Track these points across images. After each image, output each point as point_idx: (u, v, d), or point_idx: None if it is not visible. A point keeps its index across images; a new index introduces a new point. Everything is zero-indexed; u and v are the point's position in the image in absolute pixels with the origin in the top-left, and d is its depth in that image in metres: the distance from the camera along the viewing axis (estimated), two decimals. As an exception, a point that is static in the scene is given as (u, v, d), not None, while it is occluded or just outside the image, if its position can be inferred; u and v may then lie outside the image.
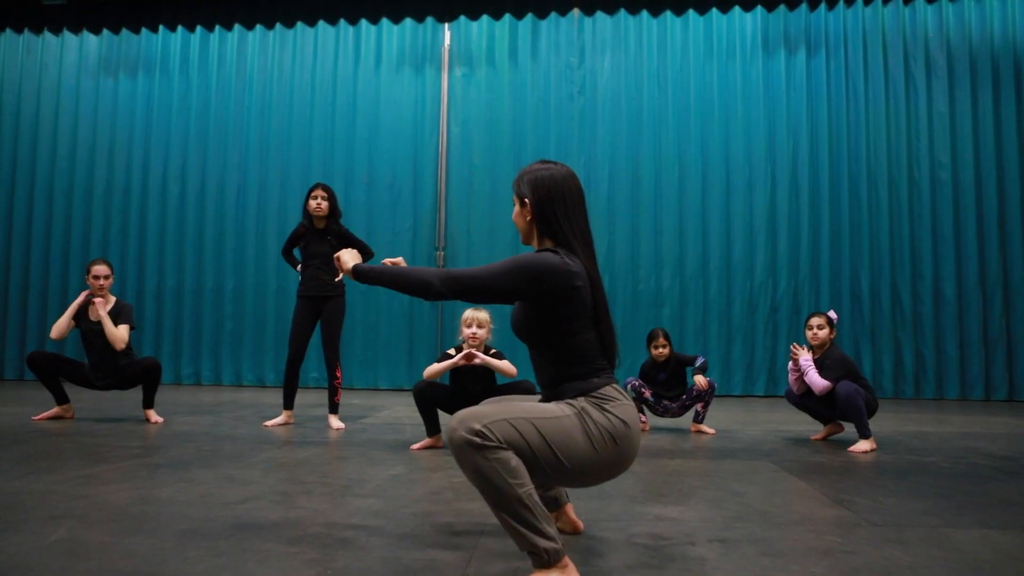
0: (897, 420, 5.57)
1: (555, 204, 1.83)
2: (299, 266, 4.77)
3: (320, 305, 4.73)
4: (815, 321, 4.31)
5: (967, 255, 8.02)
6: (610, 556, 1.89)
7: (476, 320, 3.78)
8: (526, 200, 1.86)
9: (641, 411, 4.81)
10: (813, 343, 4.30)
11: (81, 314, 4.72)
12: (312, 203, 4.67)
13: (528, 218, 1.87)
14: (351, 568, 1.75)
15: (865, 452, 3.83)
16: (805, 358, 4.23)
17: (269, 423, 4.69)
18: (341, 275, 4.50)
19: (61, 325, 4.64)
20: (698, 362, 4.70)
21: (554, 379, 1.81)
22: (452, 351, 3.90)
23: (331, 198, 4.71)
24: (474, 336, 3.78)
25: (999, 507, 2.53)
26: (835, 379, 4.07)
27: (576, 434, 1.68)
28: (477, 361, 3.73)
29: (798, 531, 2.16)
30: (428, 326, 8.33)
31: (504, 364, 3.77)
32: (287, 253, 4.91)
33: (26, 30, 9.18)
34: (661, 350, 4.72)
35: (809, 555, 1.91)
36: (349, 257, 1.94)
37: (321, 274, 4.68)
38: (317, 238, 4.71)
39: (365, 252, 4.56)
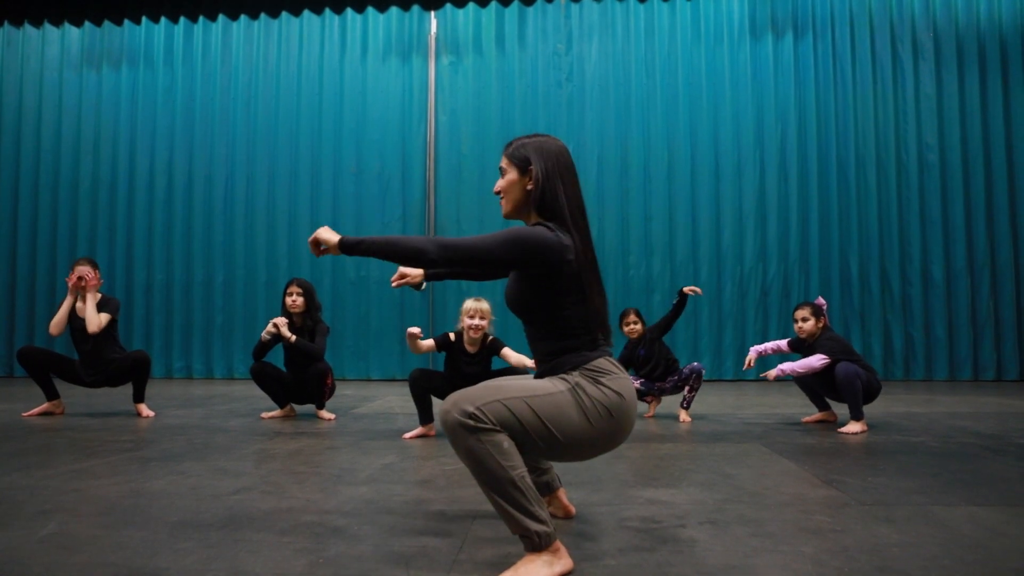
0: (886, 401, 5.62)
1: (561, 176, 1.80)
2: (265, 334, 4.55)
3: (305, 371, 4.67)
4: (799, 314, 4.32)
5: (955, 237, 8.08)
6: (602, 539, 1.90)
7: (479, 312, 3.76)
8: (530, 168, 1.80)
9: (642, 399, 4.77)
10: (800, 335, 4.32)
11: (72, 312, 4.68)
12: (288, 300, 4.59)
13: (529, 187, 1.81)
14: (344, 556, 1.75)
15: (855, 433, 3.86)
16: (780, 369, 4.12)
17: (266, 415, 4.70)
18: (293, 338, 4.47)
19: (60, 321, 4.60)
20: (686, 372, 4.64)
21: (549, 353, 1.81)
22: (452, 335, 3.90)
23: (306, 293, 4.61)
24: (476, 328, 3.78)
25: (985, 485, 2.56)
26: (830, 352, 4.07)
27: (570, 409, 1.68)
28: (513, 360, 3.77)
29: (788, 512, 2.18)
30: (419, 316, 8.33)
31: (521, 358, 3.78)
32: (264, 346, 4.64)
33: (6, 22, 9.05)
34: (633, 327, 4.69)
35: (799, 535, 1.93)
36: (328, 233, 1.77)
37: (299, 371, 4.64)
38: (295, 333, 4.58)
39: (312, 353, 4.50)
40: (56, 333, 4.62)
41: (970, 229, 8.09)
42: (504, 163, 1.87)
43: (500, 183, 1.88)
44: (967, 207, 8.10)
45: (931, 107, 8.22)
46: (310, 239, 1.80)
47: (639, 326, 4.70)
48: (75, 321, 4.65)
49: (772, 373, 4.12)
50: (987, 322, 7.98)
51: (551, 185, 1.79)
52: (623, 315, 4.78)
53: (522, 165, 1.83)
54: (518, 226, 1.76)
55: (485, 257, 1.70)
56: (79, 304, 4.64)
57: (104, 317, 4.62)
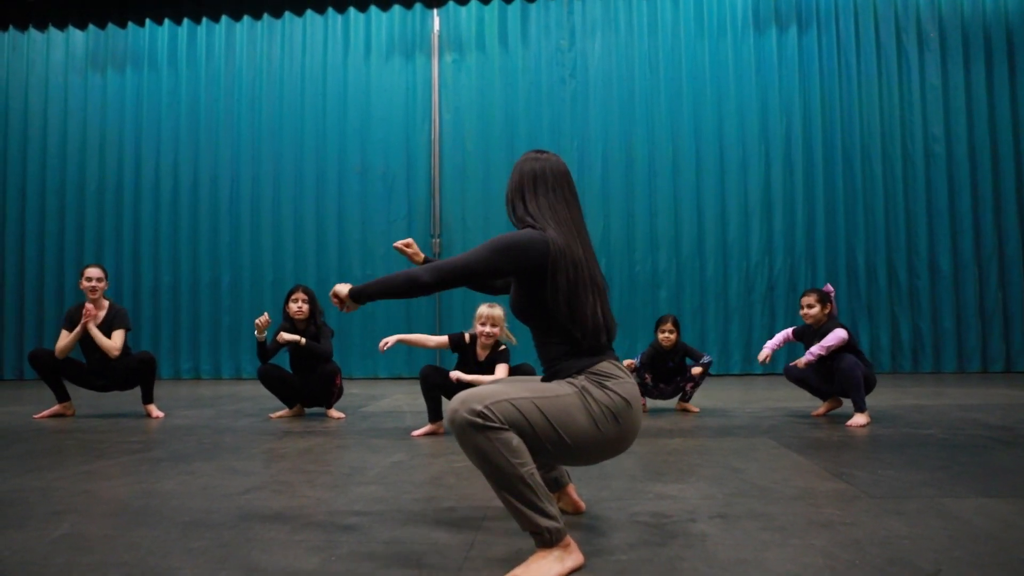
0: (895, 394, 5.60)
1: (530, 187, 1.87)
2: (266, 343, 4.53)
3: (312, 373, 4.64)
4: (805, 300, 4.34)
5: (962, 228, 8.04)
6: (612, 535, 1.90)
7: (491, 319, 3.75)
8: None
9: (644, 393, 4.77)
10: (807, 321, 4.32)
11: (78, 320, 4.65)
12: (293, 306, 4.57)
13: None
14: (355, 554, 1.76)
15: (861, 426, 3.86)
16: (810, 354, 4.11)
17: (275, 415, 4.71)
18: (304, 340, 4.46)
19: (66, 346, 4.59)
20: (704, 359, 4.66)
21: (553, 357, 1.82)
22: (467, 336, 3.89)
23: (311, 300, 4.61)
24: (488, 336, 3.77)
25: (995, 476, 2.55)
26: (845, 328, 4.09)
27: (577, 412, 1.68)
28: (465, 378, 3.71)
29: (798, 505, 2.18)
30: (426, 314, 8.34)
31: (487, 378, 3.72)
32: (266, 350, 4.60)
33: (11, 27, 9.09)
34: (668, 335, 4.60)
35: (809, 528, 1.92)
36: (343, 288, 1.90)
37: (305, 374, 4.62)
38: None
39: (322, 354, 4.48)
40: (61, 357, 4.61)
41: (977, 220, 8.05)
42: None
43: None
44: (974, 198, 8.06)
45: (937, 98, 8.17)
46: (332, 296, 1.91)
47: (674, 336, 4.63)
48: (85, 338, 4.65)
49: (803, 360, 4.12)
50: (995, 313, 7.94)
51: (517, 197, 1.89)
52: (660, 320, 4.71)
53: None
54: (502, 233, 1.80)
55: (476, 268, 1.76)
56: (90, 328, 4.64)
57: (118, 336, 4.63)
